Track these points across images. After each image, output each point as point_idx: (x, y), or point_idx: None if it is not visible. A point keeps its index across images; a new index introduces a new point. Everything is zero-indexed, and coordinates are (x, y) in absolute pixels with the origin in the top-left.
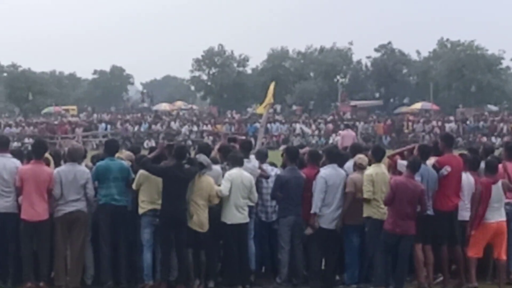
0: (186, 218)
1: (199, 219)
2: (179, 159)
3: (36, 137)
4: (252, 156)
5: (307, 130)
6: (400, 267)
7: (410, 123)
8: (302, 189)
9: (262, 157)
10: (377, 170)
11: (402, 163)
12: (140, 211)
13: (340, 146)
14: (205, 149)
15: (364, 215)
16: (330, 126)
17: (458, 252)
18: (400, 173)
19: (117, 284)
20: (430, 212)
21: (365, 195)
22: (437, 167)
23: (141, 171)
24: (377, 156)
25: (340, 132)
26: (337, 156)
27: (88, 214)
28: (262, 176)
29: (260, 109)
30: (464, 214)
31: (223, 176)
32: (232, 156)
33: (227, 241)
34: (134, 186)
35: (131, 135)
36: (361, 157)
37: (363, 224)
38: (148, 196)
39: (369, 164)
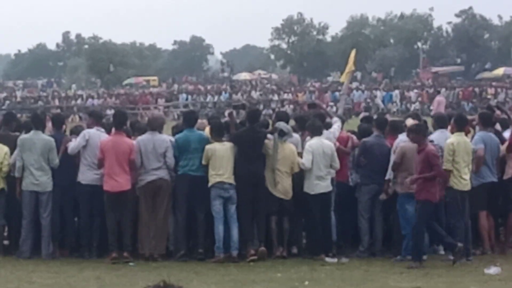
0: (264, 179)
1: (283, 187)
2: (252, 122)
3: (117, 108)
4: (336, 119)
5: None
6: None
7: (492, 89)
8: (386, 158)
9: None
10: (459, 139)
11: None
12: (209, 184)
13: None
14: (284, 117)
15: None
16: (412, 93)
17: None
18: None
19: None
20: (494, 179)
21: (444, 166)
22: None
23: (207, 146)
24: (460, 124)
25: (437, 98)
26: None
27: (171, 182)
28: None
29: (343, 77)
30: None
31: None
32: (310, 125)
33: (311, 211)
34: (203, 161)
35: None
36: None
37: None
38: (215, 169)
39: (452, 133)
